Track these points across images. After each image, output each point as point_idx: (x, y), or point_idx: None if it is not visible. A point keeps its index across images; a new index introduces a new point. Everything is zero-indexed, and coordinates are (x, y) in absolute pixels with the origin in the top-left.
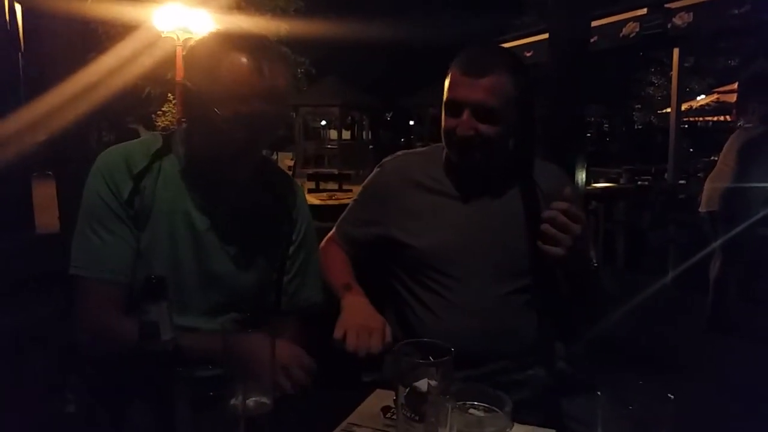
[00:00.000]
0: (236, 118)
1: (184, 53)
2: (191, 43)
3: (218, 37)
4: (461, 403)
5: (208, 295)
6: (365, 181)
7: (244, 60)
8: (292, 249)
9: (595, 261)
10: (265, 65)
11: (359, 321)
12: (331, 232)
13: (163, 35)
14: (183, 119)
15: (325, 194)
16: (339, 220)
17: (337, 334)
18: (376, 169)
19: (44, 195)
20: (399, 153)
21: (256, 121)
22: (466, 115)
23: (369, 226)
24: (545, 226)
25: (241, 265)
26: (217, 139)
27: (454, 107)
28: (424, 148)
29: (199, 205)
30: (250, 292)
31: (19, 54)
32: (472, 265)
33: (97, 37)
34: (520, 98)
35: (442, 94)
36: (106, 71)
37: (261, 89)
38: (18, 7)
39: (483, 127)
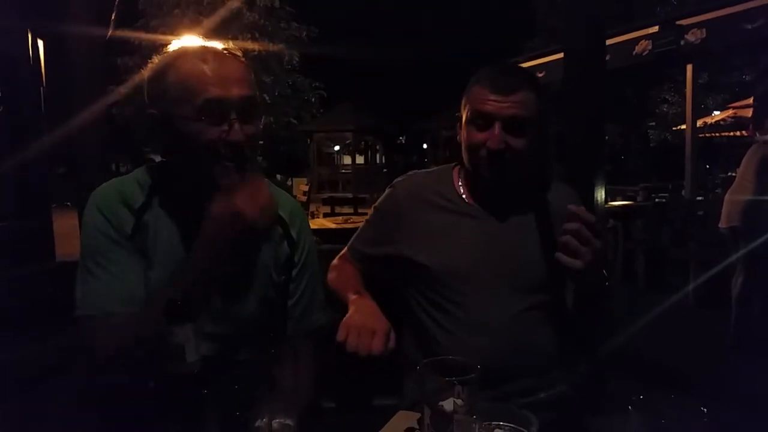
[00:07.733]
0: (203, 109)
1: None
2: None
3: (163, 57)
4: (487, 423)
5: (206, 326)
6: (377, 202)
7: (192, 58)
8: (294, 272)
9: (607, 279)
10: (211, 55)
11: (362, 321)
12: (343, 251)
13: None
14: (159, 150)
15: (340, 218)
16: (351, 240)
17: (340, 336)
18: (387, 190)
19: (64, 225)
20: (410, 173)
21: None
22: (497, 128)
23: (381, 245)
24: (568, 238)
25: (240, 295)
26: (196, 151)
27: (484, 122)
28: (433, 168)
29: (195, 234)
30: (250, 321)
31: (41, 88)
32: (485, 282)
33: (116, 69)
34: (542, 115)
35: (459, 112)
36: (125, 102)
37: (217, 73)
38: (41, 43)
39: (513, 141)
